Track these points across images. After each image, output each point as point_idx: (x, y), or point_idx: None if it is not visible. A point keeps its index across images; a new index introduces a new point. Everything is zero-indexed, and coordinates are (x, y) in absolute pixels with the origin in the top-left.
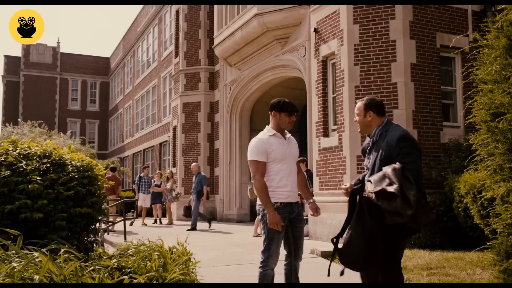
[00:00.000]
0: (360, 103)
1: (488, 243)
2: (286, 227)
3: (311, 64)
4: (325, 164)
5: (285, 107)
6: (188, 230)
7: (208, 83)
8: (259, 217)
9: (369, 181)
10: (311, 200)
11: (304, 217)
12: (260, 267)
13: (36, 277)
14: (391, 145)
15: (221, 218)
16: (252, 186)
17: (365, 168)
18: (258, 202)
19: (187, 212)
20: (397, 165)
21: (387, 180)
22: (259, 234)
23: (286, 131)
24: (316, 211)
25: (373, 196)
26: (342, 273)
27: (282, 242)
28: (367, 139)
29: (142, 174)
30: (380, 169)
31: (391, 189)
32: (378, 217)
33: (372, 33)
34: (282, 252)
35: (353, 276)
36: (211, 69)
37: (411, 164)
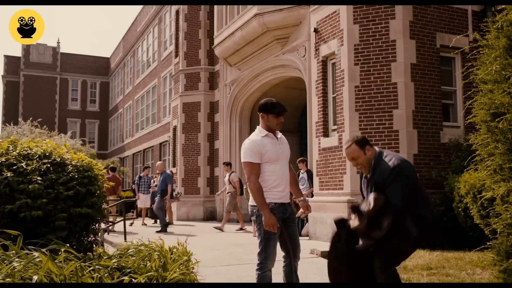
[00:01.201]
0: (352, 147)
1: (488, 243)
2: (280, 228)
3: (311, 64)
4: (325, 164)
5: (273, 109)
6: (157, 231)
7: (208, 83)
8: (253, 218)
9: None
10: (302, 198)
11: (304, 217)
12: (257, 269)
13: (36, 277)
14: (383, 175)
15: (221, 218)
16: (247, 186)
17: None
18: (250, 203)
19: (153, 213)
20: (380, 194)
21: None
22: None
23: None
24: (307, 208)
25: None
26: None
27: (278, 243)
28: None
29: (142, 174)
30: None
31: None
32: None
33: (372, 33)
34: (279, 252)
35: None
36: (211, 69)
37: (393, 196)
